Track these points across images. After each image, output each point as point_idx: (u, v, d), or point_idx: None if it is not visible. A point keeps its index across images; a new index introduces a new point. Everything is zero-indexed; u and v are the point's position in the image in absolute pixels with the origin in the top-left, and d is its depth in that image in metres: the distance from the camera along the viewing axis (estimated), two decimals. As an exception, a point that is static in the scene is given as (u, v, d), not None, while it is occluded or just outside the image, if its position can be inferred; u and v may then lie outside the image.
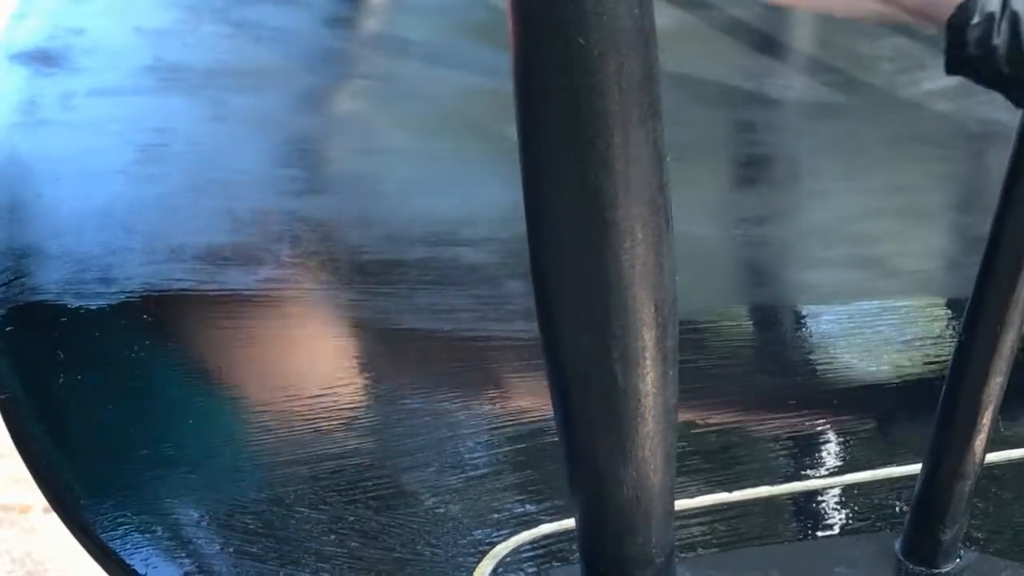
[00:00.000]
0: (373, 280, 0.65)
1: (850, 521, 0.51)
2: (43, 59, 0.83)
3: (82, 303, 0.61)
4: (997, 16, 0.76)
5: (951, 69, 0.81)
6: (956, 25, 0.78)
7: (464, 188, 0.74)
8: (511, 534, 0.49)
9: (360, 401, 0.57)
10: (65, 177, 0.72)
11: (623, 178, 0.32)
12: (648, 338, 0.36)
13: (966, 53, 0.79)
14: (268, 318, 0.62)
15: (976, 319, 0.42)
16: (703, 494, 0.51)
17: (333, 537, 0.49)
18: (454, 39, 0.90)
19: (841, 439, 0.56)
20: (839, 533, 0.50)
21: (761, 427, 0.57)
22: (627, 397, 0.37)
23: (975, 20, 0.76)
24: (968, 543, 0.48)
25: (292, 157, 0.77)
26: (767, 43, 0.99)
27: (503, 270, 0.67)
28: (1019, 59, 0.77)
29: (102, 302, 0.61)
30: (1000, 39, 0.76)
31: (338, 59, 0.89)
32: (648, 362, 0.36)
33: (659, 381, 0.37)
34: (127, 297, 0.61)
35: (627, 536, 0.40)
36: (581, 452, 0.39)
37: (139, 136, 0.77)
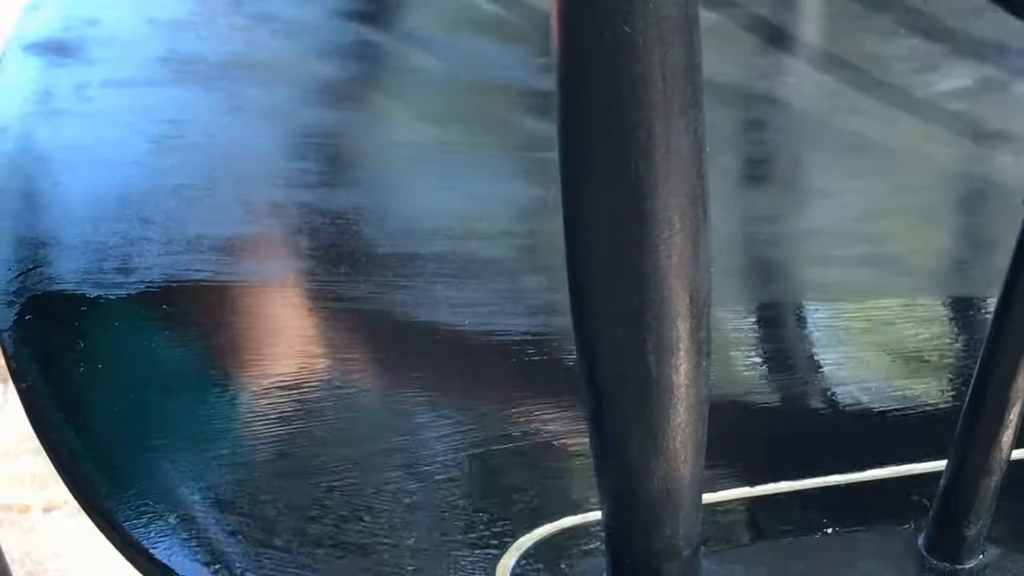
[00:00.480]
0: (390, 273, 0.65)
1: (873, 516, 0.51)
2: (57, 50, 0.83)
3: (100, 292, 0.61)
4: None
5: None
6: None
7: (481, 182, 0.74)
8: (534, 526, 0.49)
9: (378, 393, 0.57)
10: (81, 167, 0.72)
11: (663, 168, 0.33)
12: (683, 329, 0.36)
13: None
14: (285, 309, 0.62)
15: (1006, 314, 0.42)
16: (726, 488, 0.51)
17: (357, 527, 0.49)
18: (470, 32, 0.90)
19: (865, 434, 0.56)
20: (862, 528, 0.50)
21: (784, 422, 0.57)
22: (660, 388, 0.37)
23: None
24: (991, 540, 0.48)
25: (308, 149, 0.77)
26: (780, 40, 0.99)
27: (521, 264, 0.67)
28: None
29: (120, 292, 0.61)
30: None
31: (353, 52, 0.89)
32: (682, 353, 0.36)
33: (692, 372, 0.37)
34: (145, 287, 0.61)
35: (655, 528, 0.40)
36: (612, 444, 0.39)
37: (154, 127, 0.77)
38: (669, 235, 0.34)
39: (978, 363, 0.43)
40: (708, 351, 0.37)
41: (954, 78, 0.92)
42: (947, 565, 0.47)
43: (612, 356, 0.37)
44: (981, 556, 0.47)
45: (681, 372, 0.37)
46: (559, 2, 0.31)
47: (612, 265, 0.35)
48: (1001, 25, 0.99)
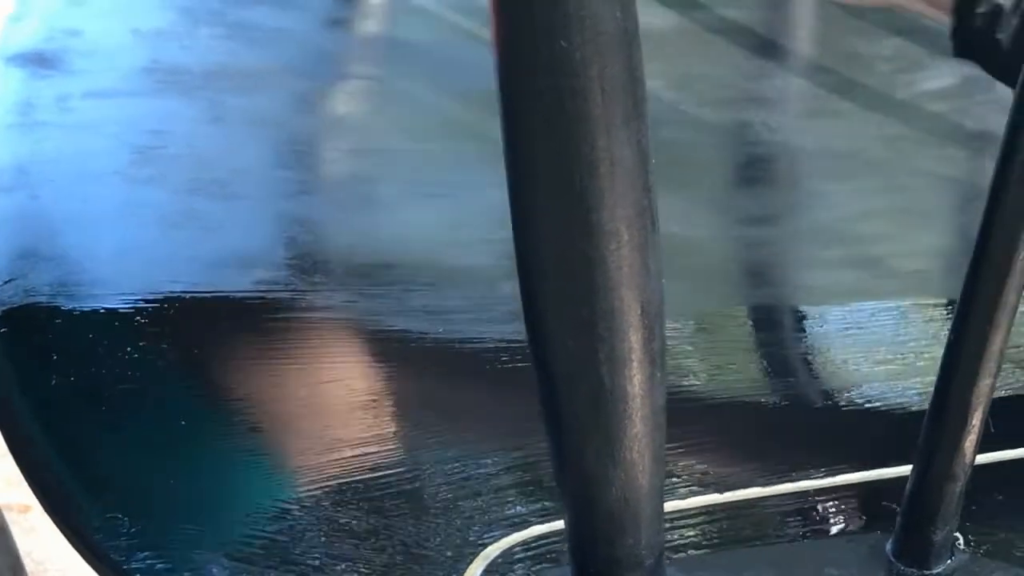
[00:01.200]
0: (367, 281, 0.65)
1: (841, 522, 0.51)
2: (39, 61, 0.83)
3: (76, 305, 0.61)
4: (1007, 8, 0.71)
5: (957, 53, 0.76)
6: (961, 11, 0.73)
7: (459, 189, 0.74)
8: (502, 535, 0.49)
9: (351, 403, 0.57)
10: (61, 179, 0.72)
11: (608, 180, 0.33)
12: (635, 340, 0.36)
13: (970, 40, 0.74)
14: (263, 320, 0.62)
15: (965, 320, 0.42)
16: (694, 495, 0.51)
17: (323, 539, 0.49)
18: (450, 41, 0.90)
19: (832, 439, 0.56)
20: (830, 534, 0.50)
21: (753, 428, 0.57)
22: (614, 399, 0.37)
23: (981, 9, 0.71)
24: (959, 545, 0.48)
25: (289, 159, 0.77)
26: (763, 43, 0.99)
27: (496, 272, 0.67)
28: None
29: (97, 304, 0.61)
30: (1005, 33, 0.71)
31: (335, 61, 0.89)
32: (635, 364, 0.36)
33: (646, 383, 0.37)
34: (122, 300, 0.61)
35: (616, 538, 0.40)
36: (569, 454, 0.39)
37: (136, 138, 0.77)
38: (617, 247, 0.34)
39: (939, 367, 0.43)
40: (662, 361, 0.37)
41: (940, 78, 0.92)
42: (915, 571, 0.47)
43: (565, 367, 0.37)
44: (949, 561, 0.47)
45: (635, 383, 0.37)
46: (497, 15, 0.31)
47: (561, 277, 0.35)
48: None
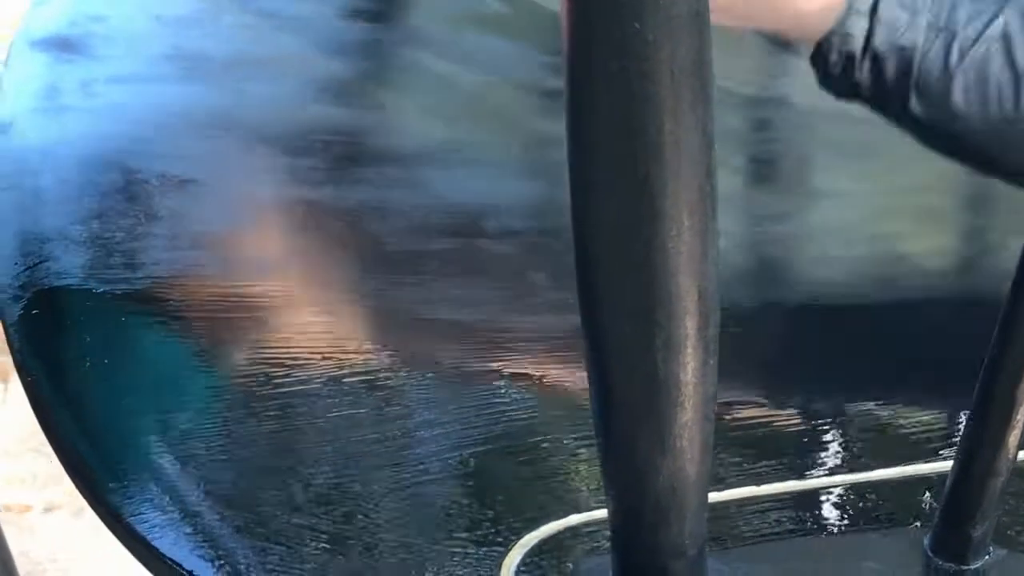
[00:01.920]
0: (397, 270, 0.65)
1: (880, 516, 0.51)
2: (63, 46, 0.83)
3: (107, 288, 0.61)
4: (857, 56, 0.68)
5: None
6: (819, 59, 0.70)
7: (488, 180, 0.74)
8: (539, 524, 0.49)
9: (385, 390, 0.57)
10: (87, 163, 0.72)
11: (673, 165, 0.32)
12: (691, 327, 0.35)
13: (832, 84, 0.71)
14: (292, 305, 0.62)
15: (1013, 315, 0.42)
16: (733, 487, 0.51)
17: (361, 523, 0.49)
18: (475, 30, 0.90)
19: (872, 435, 0.56)
20: (868, 528, 0.50)
21: (792, 422, 0.57)
22: (668, 386, 0.36)
23: (834, 58, 0.69)
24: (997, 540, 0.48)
25: (312, 147, 0.77)
26: (782, 42, 0.99)
27: (527, 262, 0.67)
28: (883, 99, 0.69)
29: (126, 287, 0.61)
30: (863, 76, 0.68)
31: (359, 49, 0.89)
32: (690, 351, 0.36)
33: (700, 370, 0.37)
34: (151, 282, 0.61)
35: (661, 526, 0.40)
36: (618, 441, 0.39)
37: (160, 122, 0.77)
38: (678, 232, 0.34)
39: (984, 364, 0.43)
40: (715, 349, 0.37)
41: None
42: (953, 566, 0.47)
43: (620, 354, 0.36)
44: (987, 557, 0.47)
45: (689, 370, 0.36)
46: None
47: (621, 262, 0.35)
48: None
